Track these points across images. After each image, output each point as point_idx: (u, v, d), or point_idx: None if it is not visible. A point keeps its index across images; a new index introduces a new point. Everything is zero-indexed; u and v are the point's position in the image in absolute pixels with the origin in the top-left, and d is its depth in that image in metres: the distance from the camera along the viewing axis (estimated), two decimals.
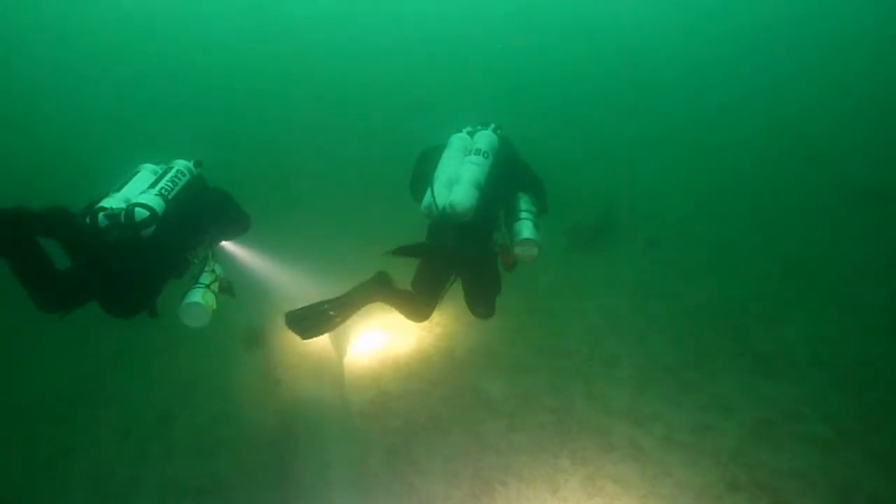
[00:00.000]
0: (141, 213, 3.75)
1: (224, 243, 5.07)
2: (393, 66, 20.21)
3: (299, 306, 4.40)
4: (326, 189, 13.80)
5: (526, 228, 4.40)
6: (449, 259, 4.38)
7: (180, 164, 4.37)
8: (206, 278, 4.25)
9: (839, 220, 11.62)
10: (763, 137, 15.92)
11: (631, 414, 6.45)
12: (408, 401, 6.72)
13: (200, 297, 4.07)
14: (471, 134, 4.62)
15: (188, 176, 4.33)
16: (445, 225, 4.22)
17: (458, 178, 4.21)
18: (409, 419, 6.42)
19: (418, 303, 4.54)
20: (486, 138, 4.51)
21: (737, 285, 9.41)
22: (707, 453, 5.85)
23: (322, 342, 7.71)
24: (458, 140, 4.56)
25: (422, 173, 4.51)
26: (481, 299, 4.59)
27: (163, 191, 4.00)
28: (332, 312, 4.26)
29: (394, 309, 4.57)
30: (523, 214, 4.52)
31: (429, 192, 4.21)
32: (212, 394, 7.49)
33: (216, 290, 4.27)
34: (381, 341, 8.06)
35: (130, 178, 4.13)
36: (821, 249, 10.53)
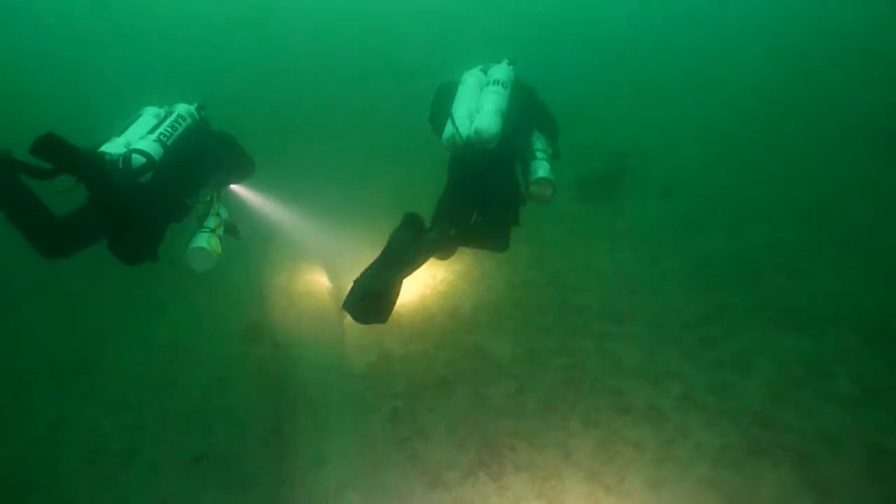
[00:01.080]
0: (138, 160, 3.79)
1: (232, 187, 5.20)
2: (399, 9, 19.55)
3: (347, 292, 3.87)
4: (338, 132, 13.83)
5: (542, 168, 4.44)
6: (473, 189, 4.29)
7: (182, 109, 4.37)
8: (211, 222, 4.36)
9: (859, 167, 11.09)
10: (780, 83, 15.23)
11: (646, 372, 6.12)
12: (411, 363, 6.42)
13: (205, 241, 4.16)
14: (484, 71, 4.63)
15: (189, 120, 4.33)
16: (470, 154, 4.19)
17: (479, 108, 4.24)
18: (413, 382, 6.12)
19: (448, 239, 4.29)
20: (502, 70, 4.54)
21: (754, 236, 8.98)
22: (727, 414, 5.53)
23: (321, 302, 7.41)
24: (471, 76, 4.57)
25: (440, 108, 4.54)
26: (501, 231, 4.46)
27: (161, 136, 4.02)
28: (386, 273, 3.84)
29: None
30: (539, 154, 4.56)
31: (450, 123, 4.22)
32: (209, 359, 7.22)
33: (221, 233, 4.38)
34: None
35: (133, 122, 4.16)
36: (840, 198, 10.05)
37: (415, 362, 6.40)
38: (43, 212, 3.50)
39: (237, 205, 5.68)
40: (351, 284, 3.92)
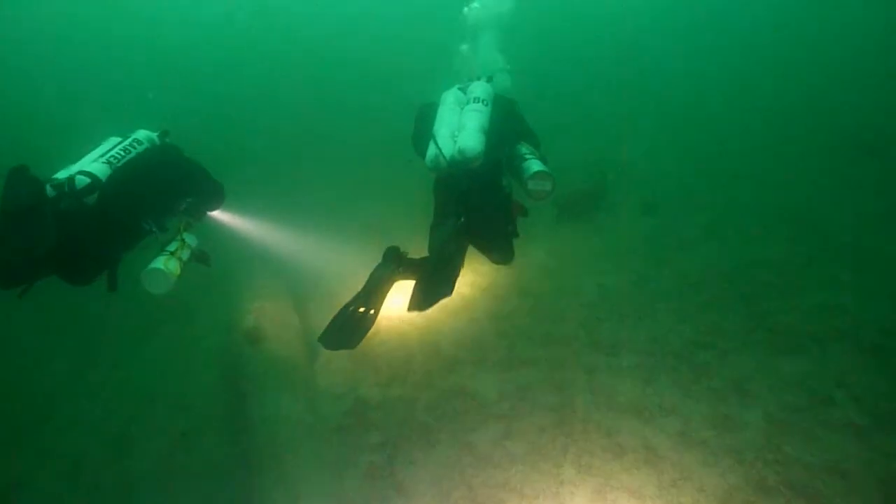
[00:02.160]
0: (81, 181, 3.77)
1: (215, 215, 5.22)
2: (374, 33, 19.35)
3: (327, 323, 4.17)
4: (325, 160, 13.78)
5: (535, 164, 4.38)
6: (463, 210, 4.24)
7: (139, 134, 4.40)
8: (172, 246, 4.31)
9: (844, 175, 10.93)
10: (759, 93, 15.14)
11: (640, 408, 5.77)
12: (389, 410, 6.00)
13: (162, 263, 4.10)
14: (462, 90, 4.60)
15: (146, 144, 4.34)
16: (454, 175, 4.14)
17: (461, 127, 4.21)
18: (391, 432, 5.69)
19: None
20: (481, 87, 4.51)
21: (742, 251, 8.71)
22: (729, 450, 5.18)
23: (291, 347, 6.98)
24: (451, 95, 4.54)
25: (422, 129, 4.52)
26: (501, 244, 4.47)
27: (111, 158, 4.02)
28: (362, 309, 4.11)
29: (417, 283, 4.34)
30: (528, 156, 4.51)
31: (432, 145, 4.17)
32: (173, 411, 6.76)
33: (184, 257, 4.32)
34: None
35: (90, 150, 4.16)
36: (828, 208, 9.85)
37: (393, 409, 5.99)
38: None
39: (211, 231, 5.49)
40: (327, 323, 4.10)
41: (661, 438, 5.35)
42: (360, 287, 4.20)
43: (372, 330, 6.78)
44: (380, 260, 4.36)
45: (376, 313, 4.16)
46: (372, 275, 4.27)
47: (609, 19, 21.12)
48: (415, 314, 7.66)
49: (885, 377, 5.82)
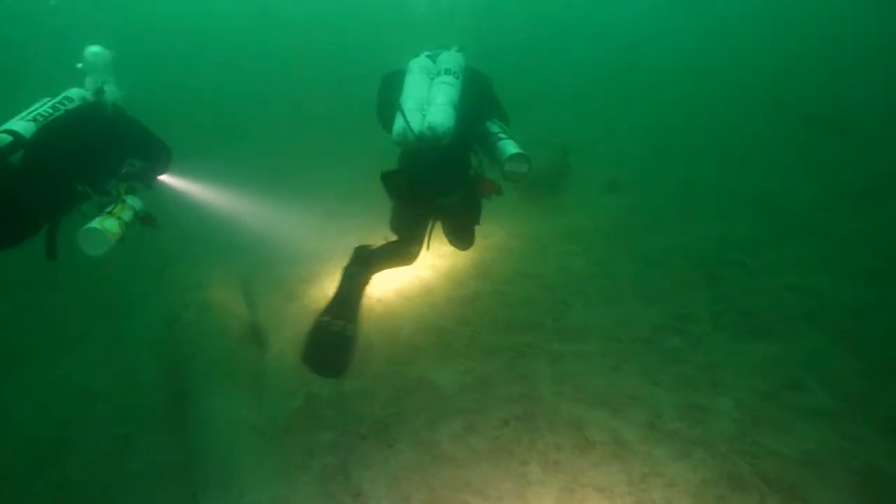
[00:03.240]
0: (4, 139, 3.64)
1: (164, 180, 5.06)
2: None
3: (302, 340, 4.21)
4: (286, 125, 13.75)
5: (510, 145, 4.28)
6: (427, 190, 4.21)
7: (71, 92, 4.25)
8: (111, 207, 4.13)
9: (805, 152, 10.95)
10: (717, 74, 15.06)
11: (608, 398, 5.54)
12: (344, 406, 5.64)
13: (98, 223, 3.92)
14: (431, 58, 4.45)
15: (77, 102, 4.18)
16: (421, 150, 4.05)
17: (430, 100, 4.07)
18: (347, 431, 5.33)
19: (404, 248, 4.45)
20: (451, 58, 4.37)
21: (707, 231, 8.60)
22: (701, 442, 4.99)
23: (238, 338, 6.57)
24: (417, 64, 4.39)
25: (387, 99, 4.34)
26: (463, 230, 4.52)
27: (38, 116, 3.88)
28: (338, 322, 4.05)
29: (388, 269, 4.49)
30: (501, 135, 4.39)
31: (399, 118, 4.01)
32: (111, 413, 6.29)
33: (126, 217, 4.12)
34: (306, 329, 6.90)
35: (23, 110, 4.01)
36: (790, 185, 9.83)
37: (348, 405, 5.63)
38: None
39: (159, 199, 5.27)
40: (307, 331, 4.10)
41: (631, 431, 5.13)
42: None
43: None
44: (349, 258, 4.38)
45: (356, 327, 4.10)
46: (342, 280, 4.21)
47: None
48: (374, 299, 7.37)
49: (855, 359, 5.73)
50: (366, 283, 4.34)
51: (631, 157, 11.82)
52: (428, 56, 4.49)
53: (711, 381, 5.67)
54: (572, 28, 18.73)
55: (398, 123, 4.05)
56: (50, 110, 3.99)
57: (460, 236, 4.73)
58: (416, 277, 7.88)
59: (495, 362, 6.10)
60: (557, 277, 7.66)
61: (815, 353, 5.89)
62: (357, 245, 4.68)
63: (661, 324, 6.54)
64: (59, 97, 4.15)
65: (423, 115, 4.03)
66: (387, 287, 7.66)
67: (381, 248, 4.48)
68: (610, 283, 7.40)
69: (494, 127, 4.51)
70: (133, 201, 4.37)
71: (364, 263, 4.32)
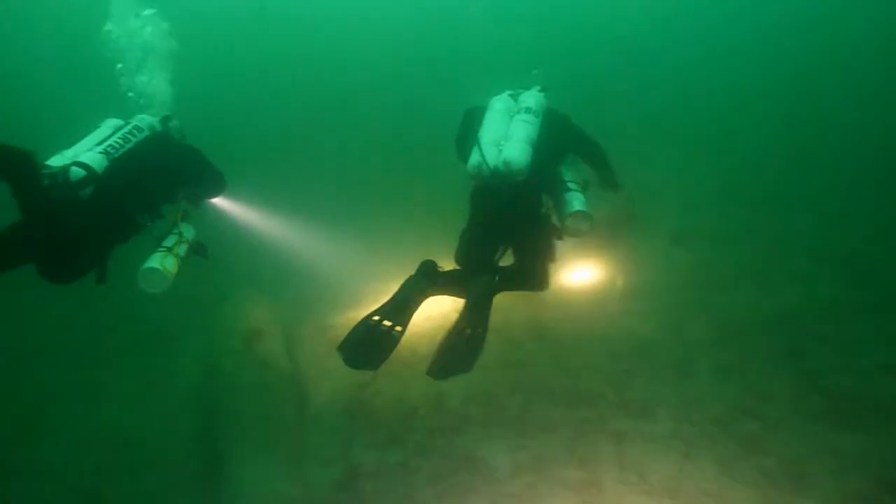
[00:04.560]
0: (77, 173, 3.63)
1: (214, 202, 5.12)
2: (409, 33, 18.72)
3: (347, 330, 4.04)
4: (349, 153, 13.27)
5: (576, 200, 4.32)
6: (499, 224, 4.27)
7: (140, 120, 4.28)
8: (170, 241, 4.23)
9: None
10: (799, 110, 14.33)
11: (678, 491, 5.08)
12: (384, 481, 5.33)
13: (159, 262, 4.04)
14: (513, 97, 4.49)
15: (147, 132, 4.23)
16: (495, 186, 4.08)
17: (507, 137, 4.13)
18: None
19: (467, 278, 4.33)
20: (533, 97, 4.41)
21: (787, 294, 7.99)
22: None
23: (276, 395, 6.34)
24: (500, 101, 4.43)
25: (466, 134, 4.43)
26: (536, 269, 4.40)
27: (109, 148, 3.89)
28: (387, 323, 4.00)
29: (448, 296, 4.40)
30: (571, 185, 4.43)
31: (476, 151, 4.09)
32: (143, 465, 6.13)
33: (182, 252, 4.25)
34: (349, 387, 6.63)
35: (86, 135, 4.05)
36: (882, 242, 9.11)
37: (389, 480, 5.32)
38: None
39: (212, 220, 5.39)
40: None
41: None
42: (358, 315, 4.05)
43: (369, 375, 6.22)
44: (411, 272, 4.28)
45: (403, 331, 4.05)
46: (402, 287, 4.19)
47: (617, 21, 20.35)
48: (416, 359, 7.07)
49: None
50: (424, 296, 4.26)
51: (697, 204, 11.27)
52: (510, 94, 4.53)
53: (796, 477, 5.16)
54: (632, 53, 18.16)
55: (474, 157, 4.11)
56: (121, 142, 4.01)
57: (534, 272, 4.49)
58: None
59: (552, 440, 5.71)
60: (622, 342, 7.20)
61: None
62: (424, 260, 4.51)
63: (737, 404, 6.05)
64: (130, 126, 4.19)
65: (500, 151, 4.07)
66: (435, 342, 7.33)
67: (449, 271, 4.44)
68: (679, 353, 6.91)
69: (567, 174, 4.54)
70: (187, 231, 4.48)
71: (428, 277, 4.27)
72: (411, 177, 11.24)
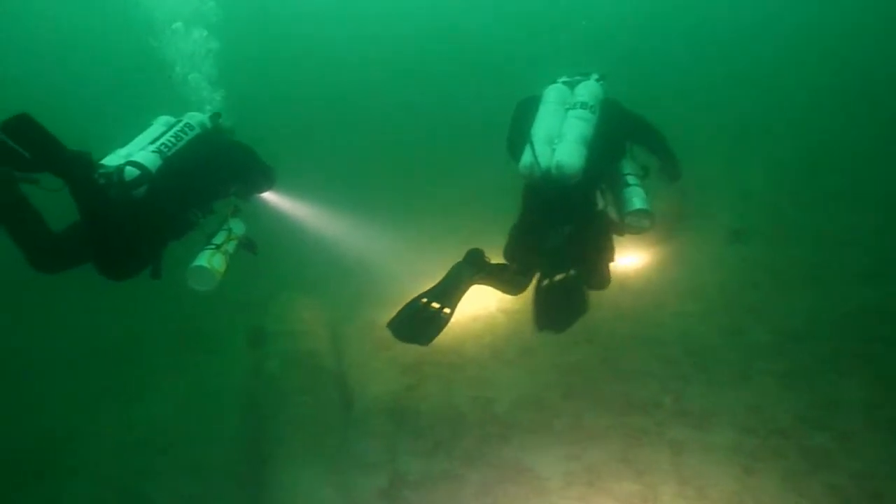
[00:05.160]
0: (131, 172, 3.69)
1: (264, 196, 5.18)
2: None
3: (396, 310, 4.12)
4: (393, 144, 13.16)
5: (637, 197, 4.24)
6: (551, 220, 4.22)
7: (191, 118, 4.32)
8: (219, 238, 4.28)
9: None
10: (865, 104, 13.66)
11: None
12: (431, 490, 5.21)
13: (206, 260, 4.08)
14: (569, 85, 4.35)
15: (198, 130, 4.27)
16: (547, 187, 3.99)
17: (561, 135, 4.01)
18: None
19: (514, 274, 4.40)
20: (588, 89, 4.25)
21: (855, 296, 7.60)
22: None
23: (323, 395, 6.28)
24: (554, 91, 4.29)
25: (518, 129, 4.29)
26: (592, 268, 4.33)
27: (162, 147, 3.94)
28: (435, 305, 4.05)
29: (493, 288, 4.47)
30: (630, 179, 4.34)
31: (528, 151, 3.99)
32: (188, 468, 6.13)
33: (230, 249, 4.31)
34: (395, 390, 6.52)
35: (139, 133, 4.12)
36: None
37: (434, 489, 5.19)
38: (38, 224, 3.49)
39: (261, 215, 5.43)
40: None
41: None
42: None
43: (415, 378, 6.12)
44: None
45: (451, 313, 4.07)
46: (450, 273, 4.21)
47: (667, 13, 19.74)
48: (462, 360, 6.94)
49: None
50: (471, 282, 4.27)
51: (755, 199, 10.84)
52: (565, 83, 4.39)
53: (869, 496, 4.87)
54: (686, 35, 17.58)
55: (526, 156, 4.00)
56: (173, 140, 4.05)
57: (590, 270, 4.42)
58: (515, 336, 7.35)
59: (606, 449, 5.51)
60: (677, 346, 6.94)
61: None
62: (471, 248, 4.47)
63: (804, 414, 5.75)
64: (181, 125, 4.23)
65: (553, 151, 3.97)
66: (481, 344, 7.19)
67: (496, 264, 4.43)
68: (739, 358, 6.62)
69: (627, 168, 4.43)
70: (237, 227, 4.52)
71: (475, 265, 4.27)
72: (458, 173, 11.08)
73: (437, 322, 4.06)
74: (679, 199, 10.19)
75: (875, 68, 14.57)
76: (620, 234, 4.41)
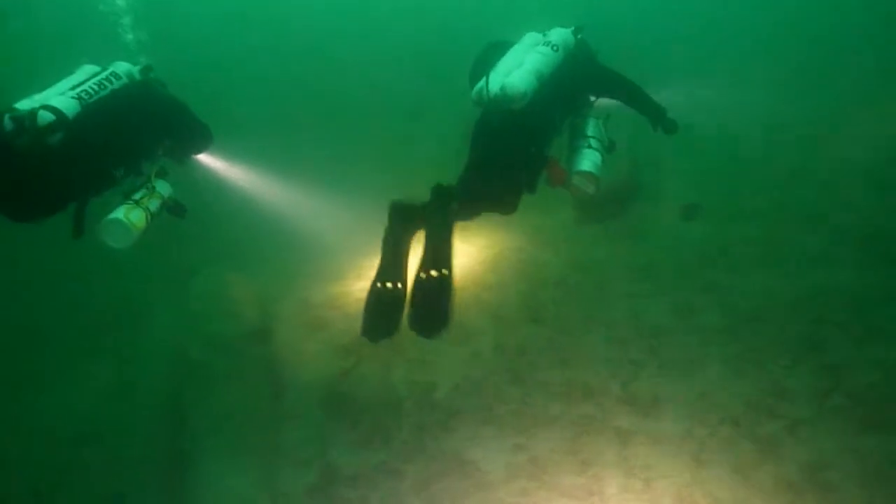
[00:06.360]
0: (45, 117, 3.54)
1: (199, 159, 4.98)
2: None
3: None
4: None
5: (589, 160, 4.23)
6: (493, 155, 4.07)
7: (119, 67, 4.16)
8: (139, 194, 4.09)
9: None
10: (825, 81, 13.73)
11: (690, 501, 4.72)
12: (366, 486, 4.94)
13: (123, 213, 3.91)
14: (543, 33, 4.36)
15: (125, 80, 4.10)
16: (494, 113, 4.00)
17: (518, 65, 4.01)
18: None
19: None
20: (559, 34, 4.31)
21: (806, 278, 7.57)
22: None
23: (251, 383, 5.93)
24: (530, 37, 4.34)
25: (483, 62, 4.29)
26: (508, 186, 4.09)
27: (82, 93, 3.78)
28: (388, 284, 3.72)
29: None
30: (592, 141, 4.31)
31: (483, 79, 3.98)
32: (106, 465, 5.76)
33: (152, 207, 4.10)
34: (329, 371, 6.23)
35: (61, 80, 3.94)
36: None
37: (370, 485, 4.93)
38: None
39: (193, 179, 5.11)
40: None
41: None
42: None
43: (352, 361, 5.82)
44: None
45: (404, 287, 3.75)
46: (384, 242, 3.88)
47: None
48: (401, 337, 6.67)
49: None
50: (407, 239, 3.95)
51: (710, 175, 10.80)
52: (540, 32, 4.40)
53: (819, 486, 4.81)
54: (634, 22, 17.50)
55: (480, 83, 3.98)
56: (95, 87, 3.86)
57: (502, 187, 4.17)
58: (458, 312, 7.09)
59: (552, 439, 5.32)
60: (627, 328, 6.80)
61: None
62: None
63: (754, 401, 5.68)
64: (107, 72, 4.05)
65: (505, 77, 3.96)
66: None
67: (418, 204, 4.08)
68: (690, 341, 6.52)
69: (590, 129, 4.38)
70: (162, 187, 4.30)
71: (400, 220, 3.92)
72: (405, 144, 10.72)
73: (398, 304, 3.74)
74: (631, 173, 10.07)
75: (833, 40, 14.67)
76: (553, 185, 4.25)
